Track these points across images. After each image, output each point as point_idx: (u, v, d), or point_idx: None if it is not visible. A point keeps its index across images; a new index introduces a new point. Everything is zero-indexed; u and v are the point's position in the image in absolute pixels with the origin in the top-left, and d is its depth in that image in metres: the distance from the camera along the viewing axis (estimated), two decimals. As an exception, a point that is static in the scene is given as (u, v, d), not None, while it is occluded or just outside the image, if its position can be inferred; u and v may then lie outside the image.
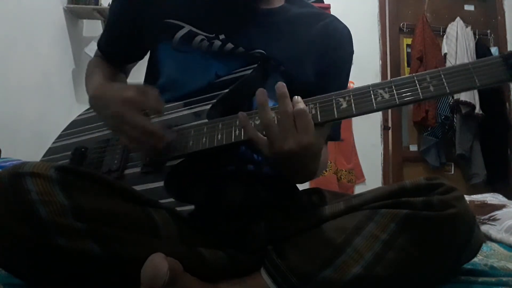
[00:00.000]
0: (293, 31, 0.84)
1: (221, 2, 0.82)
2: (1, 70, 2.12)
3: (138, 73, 1.01)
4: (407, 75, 0.62)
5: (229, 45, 0.79)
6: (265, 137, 0.62)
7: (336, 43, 0.87)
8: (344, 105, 0.63)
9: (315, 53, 0.84)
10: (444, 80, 0.59)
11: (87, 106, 0.86)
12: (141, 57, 0.95)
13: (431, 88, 0.59)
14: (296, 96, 0.63)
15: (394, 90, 0.61)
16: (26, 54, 2.32)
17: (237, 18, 0.82)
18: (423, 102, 3.04)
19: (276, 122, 0.62)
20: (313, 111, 0.64)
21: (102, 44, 0.94)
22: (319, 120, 0.64)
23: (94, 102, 0.78)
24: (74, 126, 0.90)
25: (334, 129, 0.88)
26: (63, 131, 0.90)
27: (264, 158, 0.65)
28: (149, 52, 0.90)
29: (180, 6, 0.81)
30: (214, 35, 0.80)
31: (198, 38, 0.79)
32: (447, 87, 0.59)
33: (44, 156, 0.88)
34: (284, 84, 0.62)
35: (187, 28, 0.80)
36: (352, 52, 0.91)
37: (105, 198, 0.59)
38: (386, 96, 0.61)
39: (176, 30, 0.80)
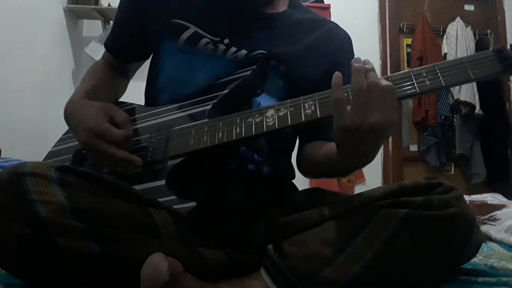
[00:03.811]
0: (295, 35, 0.85)
1: (226, 5, 0.82)
2: (1, 70, 2.12)
3: (140, 74, 1.01)
4: (403, 71, 0.63)
5: (233, 49, 0.80)
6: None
7: (337, 48, 0.88)
8: None
9: (316, 57, 0.84)
10: (439, 74, 0.61)
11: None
12: (147, 57, 0.95)
13: (427, 82, 0.61)
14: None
15: None
16: (26, 54, 2.32)
17: (241, 22, 0.82)
18: (423, 102, 3.04)
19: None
20: (313, 107, 0.65)
21: (109, 42, 0.94)
22: (319, 115, 0.64)
23: (66, 118, 0.81)
24: None
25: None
26: (63, 134, 0.90)
27: (332, 133, 0.62)
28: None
29: (186, 7, 0.82)
30: (219, 38, 0.80)
31: (204, 41, 0.80)
32: (442, 81, 0.61)
33: (44, 159, 0.88)
34: (370, 61, 0.61)
35: (192, 29, 0.80)
36: (352, 58, 0.91)
37: (105, 198, 0.59)
38: None
39: (182, 31, 0.80)
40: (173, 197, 0.67)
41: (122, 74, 0.97)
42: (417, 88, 0.61)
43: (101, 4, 2.79)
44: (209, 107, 0.75)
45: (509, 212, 1.28)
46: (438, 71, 0.61)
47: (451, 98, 3.04)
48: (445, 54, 3.06)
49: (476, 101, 2.92)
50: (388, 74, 0.65)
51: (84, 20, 3.02)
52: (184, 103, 0.79)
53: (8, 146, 1.94)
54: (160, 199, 0.67)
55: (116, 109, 0.79)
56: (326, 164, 0.74)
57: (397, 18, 3.28)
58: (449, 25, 3.16)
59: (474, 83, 2.93)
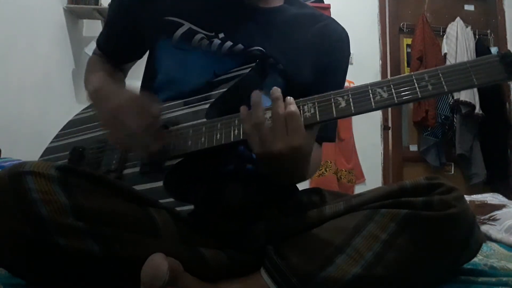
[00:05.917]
0: (291, 30, 0.84)
1: (220, 0, 0.82)
2: (1, 70, 2.12)
3: (136, 73, 1.01)
4: (405, 74, 0.62)
5: (228, 43, 0.79)
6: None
7: (334, 44, 0.87)
8: (343, 104, 0.63)
9: (313, 53, 0.84)
10: (442, 79, 0.59)
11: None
12: (140, 56, 0.95)
13: (429, 87, 0.60)
14: (288, 97, 0.64)
15: (393, 89, 0.61)
16: (26, 54, 2.32)
17: (236, 17, 0.82)
18: (423, 102, 3.04)
19: (268, 122, 0.63)
20: (312, 110, 0.64)
21: (101, 42, 0.94)
22: (318, 119, 0.64)
23: (96, 96, 0.76)
24: (72, 126, 0.89)
25: (330, 129, 0.88)
26: (60, 130, 0.89)
27: (255, 158, 0.66)
28: (148, 51, 0.90)
29: (179, 3, 0.81)
30: (213, 33, 0.80)
31: (198, 36, 0.79)
32: (445, 86, 0.59)
33: (41, 156, 0.87)
34: (279, 89, 0.64)
35: (186, 25, 0.80)
36: (349, 54, 0.92)
37: (106, 198, 0.59)
38: (385, 95, 0.61)
39: (176, 28, 0.80)
40: (171, 199, 0.67)
41: (119, 70, 0.97)
42: (419, 93, 0.60)
43: (101, 4, 2.79)
44: (207, 106, 0.75)
45: (509, 212, 1.28)
46: (441, 75, 0.59)
47: (451, 98, 3.04)
48: (445, 54, 3.06)
49: (476, 101, 2.92)
50: (389, 75, 0.65)
51: (84, 20, 3.02)
52: (182, 101, 0.78)
53: (8, 146, 1.94)
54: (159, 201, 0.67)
55: (145, 92, 0.76)
56: None
57: (397, 18, 3.28)
58: (449, 25, 3.16)
59: (474, 83, 2.93)
